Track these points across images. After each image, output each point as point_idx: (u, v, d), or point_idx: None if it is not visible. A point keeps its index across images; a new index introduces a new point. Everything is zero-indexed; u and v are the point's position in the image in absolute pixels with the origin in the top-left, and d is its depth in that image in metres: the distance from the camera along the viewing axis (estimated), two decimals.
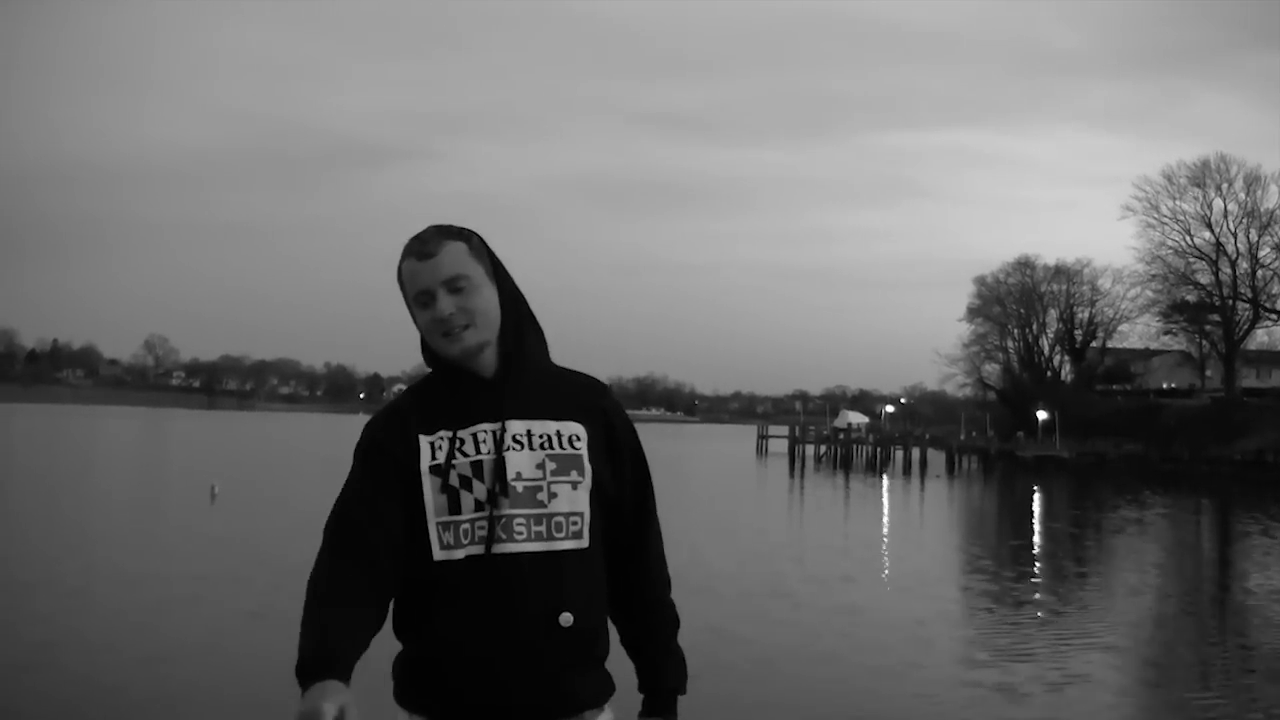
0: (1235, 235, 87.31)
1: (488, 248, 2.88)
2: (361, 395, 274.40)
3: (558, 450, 2.78)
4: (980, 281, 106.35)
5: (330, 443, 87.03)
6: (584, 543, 2.76)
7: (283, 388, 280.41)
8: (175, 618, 15.00)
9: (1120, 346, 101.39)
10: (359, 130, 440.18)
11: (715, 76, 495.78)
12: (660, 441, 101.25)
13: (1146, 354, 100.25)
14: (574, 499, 2.76)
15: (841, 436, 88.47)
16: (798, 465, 75.31)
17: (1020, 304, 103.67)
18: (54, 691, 11.19)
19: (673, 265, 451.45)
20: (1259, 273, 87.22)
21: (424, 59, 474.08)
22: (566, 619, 2.68)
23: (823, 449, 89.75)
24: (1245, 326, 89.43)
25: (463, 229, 2.86)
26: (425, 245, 2.77)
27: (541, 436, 2.78)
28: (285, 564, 17.82)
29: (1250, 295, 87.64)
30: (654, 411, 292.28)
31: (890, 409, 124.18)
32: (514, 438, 2.75)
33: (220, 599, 16.37)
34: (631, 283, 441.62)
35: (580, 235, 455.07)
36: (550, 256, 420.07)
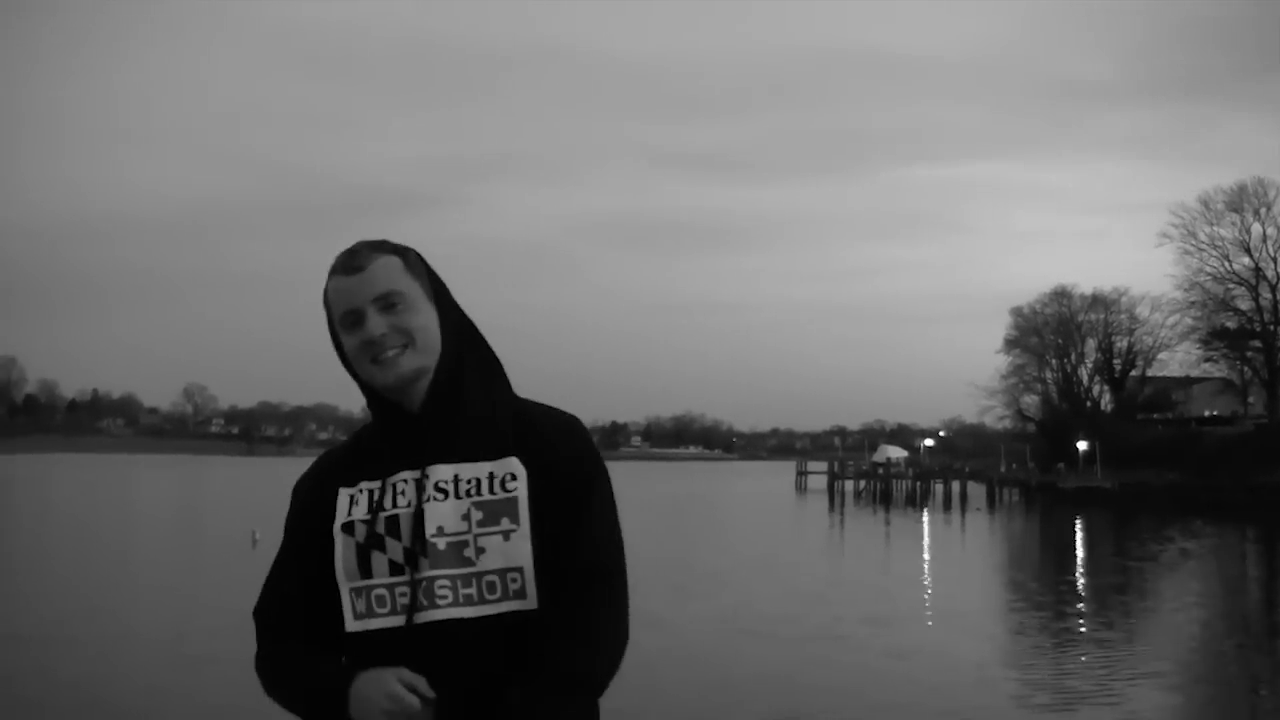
0: (1275, 259, 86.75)
1: (426, 265, 2.53)
2: None
3: (486, 496, 2.36)
4: (1017, 312, 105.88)
5: None
6: (529, 603, 2.32)
7: (320, 433, 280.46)
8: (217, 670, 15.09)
9: (1160, 375, 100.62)
10: (388, 178, 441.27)
11: (742, 115, 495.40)
12: (698, 479, 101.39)
13: (1187, 381, 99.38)
14: (508, 552, 2.32)
15: (881, 471, 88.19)
16: (837, 501, 75.02)
17: (1058, 334, 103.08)
18: None
19: (707, 303, 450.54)
20: None
21: (451, 106, 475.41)
22: (514, 694, 2.24)
23: (862, 484, 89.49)
24: None
25: (397, 244, 2.52)
26: (353, 259, 2.43)
27: (469, 482, 2.38)
28: None
29: None
30: (691, 449, 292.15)
31: (929, 443, 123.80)
32: (437, 485, 2.37)
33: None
34: (666, 322, 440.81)
35: (614, 276, 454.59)
36: (584, 298, 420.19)
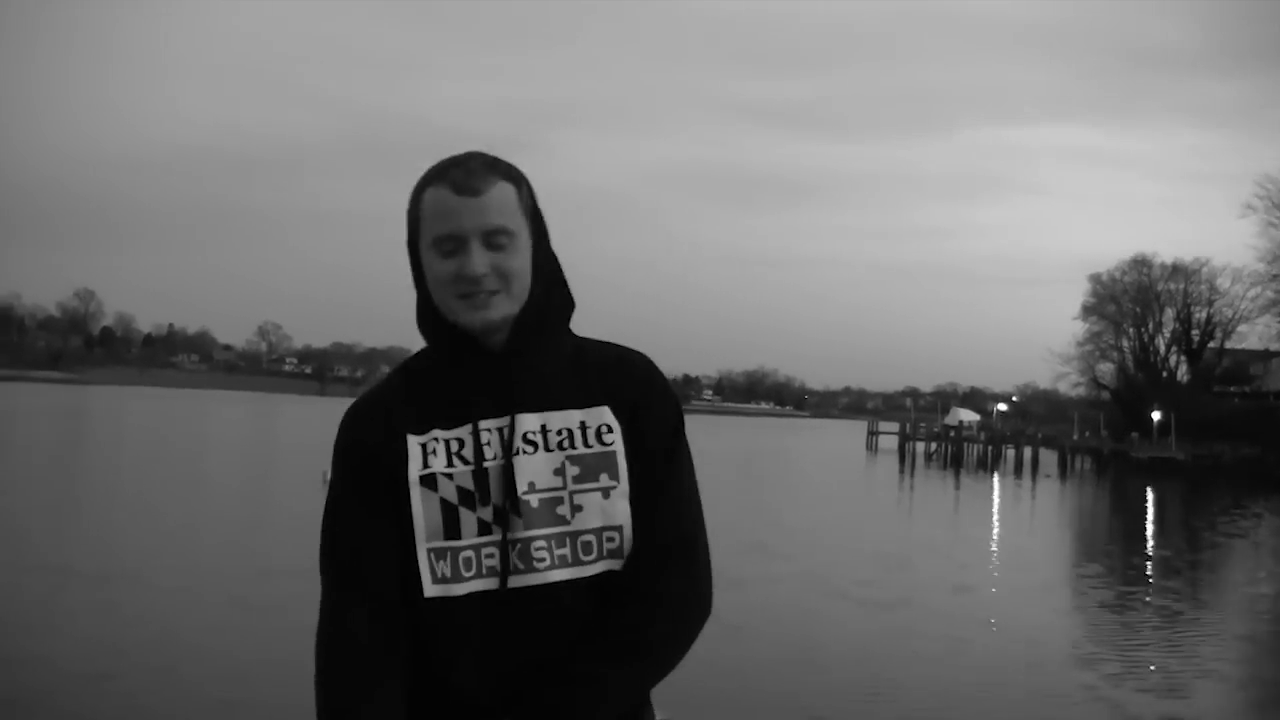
0: None
1: (534, 199, 2.30)
2: None
3: (581, 449, 2.20)
4: (1096, 279, 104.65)
5: None
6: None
7: None
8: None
9: (1238, 347, 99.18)
10: (463, 121, 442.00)
11: (823, 70, 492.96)
12: (769, 436, 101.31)
13: (1266, 355, 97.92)
14: (607, 510, 2.18)
15: (952, 434, 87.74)
16: (908, 462, 74.80)
17: (1136, 302, 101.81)
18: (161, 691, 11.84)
19: (783, 258, 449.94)
20: None
21: (529, 49, 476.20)
22: None
23: (933, 446, 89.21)
24: None
25: (512, 168, 2.27)
26: (470, 179, 2.18)
27: (560, 432, 2.21)
28: None
29: None
30: (763, 405, 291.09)
31: (1002, 407, 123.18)
32: (525, 436, 2.20)
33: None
34: (741, 275, 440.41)
35: (688, 228, 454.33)
36: (660, 247, 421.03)
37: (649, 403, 2.27)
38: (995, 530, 34.33)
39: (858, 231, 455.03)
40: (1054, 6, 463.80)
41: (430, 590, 2.15)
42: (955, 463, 77.95)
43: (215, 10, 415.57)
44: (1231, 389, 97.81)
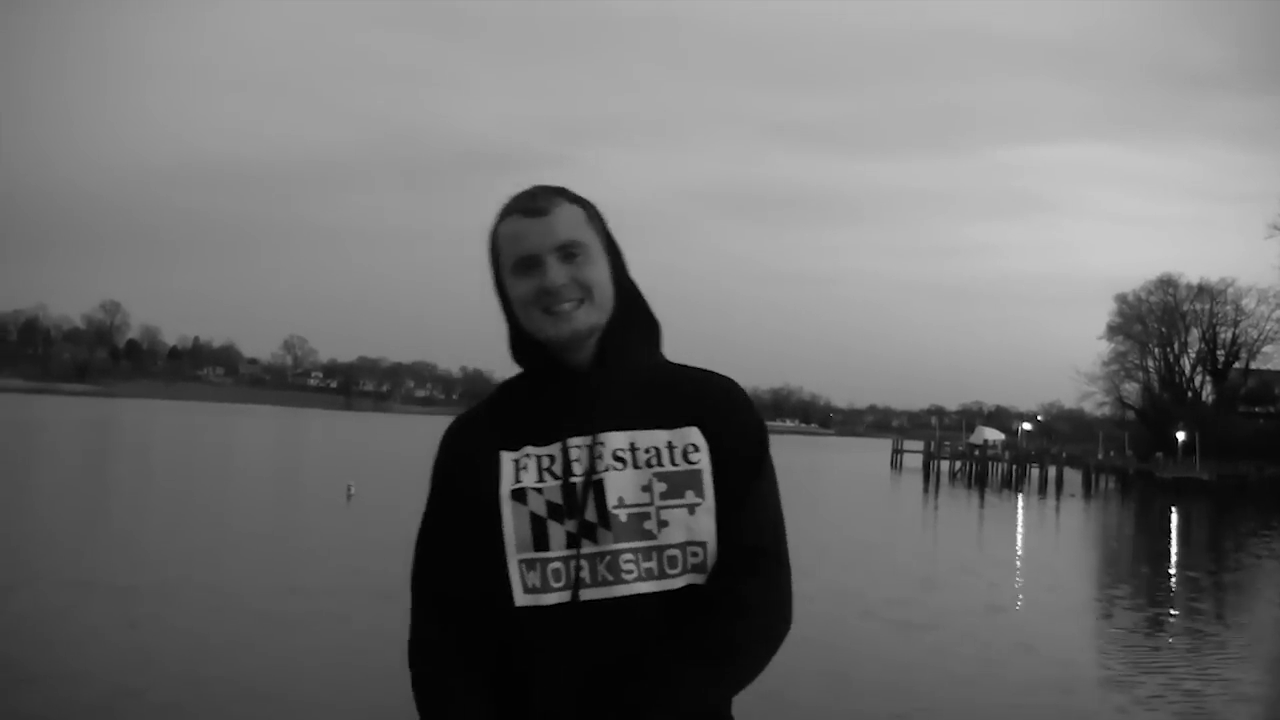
0: None
1: (603, 219, 2.42)
2: None
3: (668, 467, 2.28)
4: (1121, 299, 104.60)
5: None
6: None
7: (419, 390, 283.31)
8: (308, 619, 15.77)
9: (1264, 368, 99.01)
10: (493, 136, 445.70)
11: (853, 88, 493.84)
12: (795, 453, 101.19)
13: None
14: (692, 526, 2.25)
15: (977, 453, 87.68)
16: (932, 480, 74.76)
17: (1162, 322, 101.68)
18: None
19: (808, 276, 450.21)
20: None
21: (557, 66, 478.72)
22: None
23: (958, 465, 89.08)
24: None
25: (577, 194, 2.41)
26: (535, 201, 2.33)
27: (648, 450, 2.29)
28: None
29: None
30: (789, 423, 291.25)
31: (1027, 426, 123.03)
32: (614, 454, 2.28)
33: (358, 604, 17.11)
34: (766, 293, 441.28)
35: (715, 244, 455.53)
36: (685, 266, 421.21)
37: (736, 423, 2.36)
38: (1022, 550, 34.20)
39: (884, 249, 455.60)
40: (1083, 26, 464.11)
41: (521, 600, 2.24)
42: (980, 482, 77.77)
43: (246, 23, 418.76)
44: (1256, 409, 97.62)
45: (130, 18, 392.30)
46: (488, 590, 2.26)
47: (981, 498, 60.91)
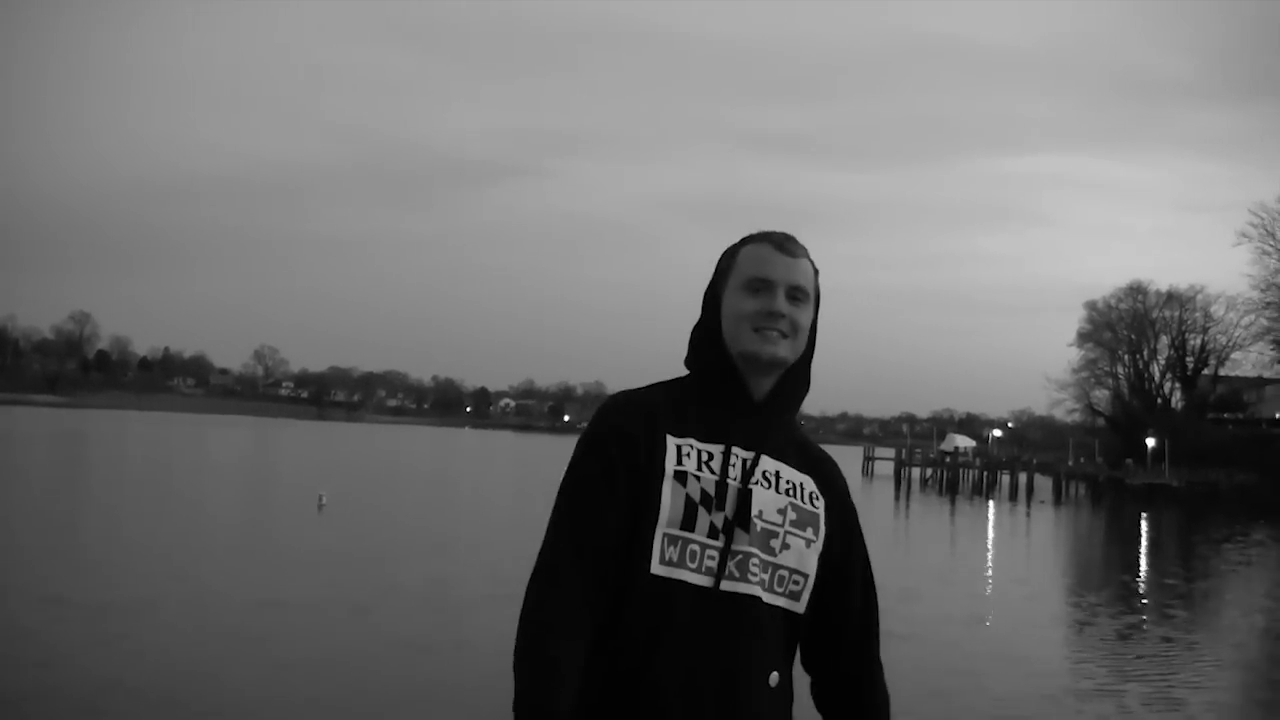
0: None
1: (819, 285, 2.71)
2: (469, 409, 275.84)
3: (800, 502, 2.57)
4: (1091, 306, 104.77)
5: (437, 456, 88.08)
6: (799, 607, 2.55)
7: (390, 400, 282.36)
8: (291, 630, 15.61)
9: (1233, 375, 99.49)
10: (468, 148, 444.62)
11: (824, 98, 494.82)
12: None
13: (1260, 382, 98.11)
14: (804, 557, 2.53)
15: (948, 460, 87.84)
16: (903, 488, 74.89)
17: (1131, 329, 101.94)
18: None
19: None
20: None
21: (532, 78, 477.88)
22: (775, 679, 2.46)
23: (929, 472, 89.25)
24: None
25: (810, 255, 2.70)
26: (789, 243, 2.63)
27: (788, 483, 2.57)
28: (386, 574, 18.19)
29: None
30: None
31: (998, 433, 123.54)
32: (764, 473, 2.53)
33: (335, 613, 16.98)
34: None
35: (687, 255, 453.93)
36: (659, 276, 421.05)
37: (839, 487, 2.72)
38: (997, 558, 34.27)
39: (855, 259, 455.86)
40: (1055, 37, 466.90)
41: (656, 569, 2.41)
42: (951, 489, 77.83)
43: (221, 35, 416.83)
44: (1226, 416, 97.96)
45: (106, 31, 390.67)
46: (625, 554, 2.42)
47: (953, 505, 61.15)
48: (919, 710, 12.97)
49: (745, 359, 2.56)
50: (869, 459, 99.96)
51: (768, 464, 2.55)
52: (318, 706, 11.94)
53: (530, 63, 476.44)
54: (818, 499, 2.61)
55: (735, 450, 2.52)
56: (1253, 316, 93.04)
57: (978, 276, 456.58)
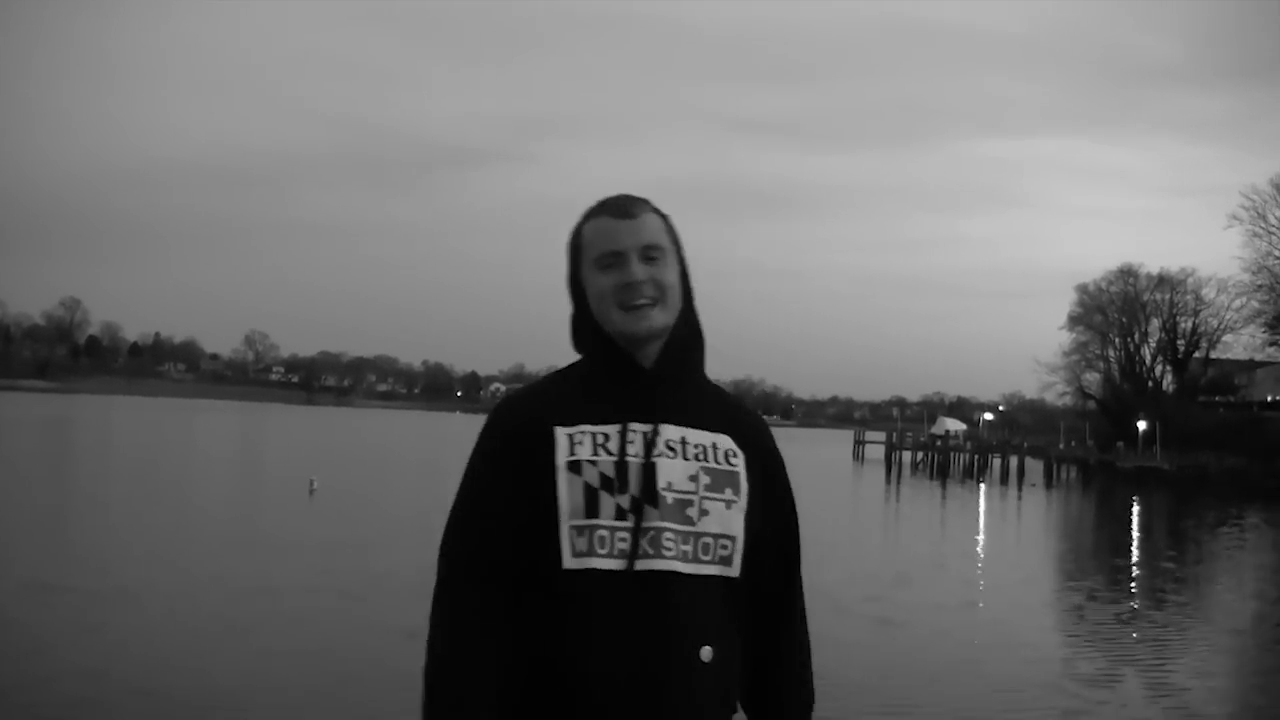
0: None
1: (677, 232, 2.61)
2: (459, 394, 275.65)
3: (713, 464, 2.48)
4: (1082, 290, 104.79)
5: (427, 440, 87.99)
6: (733, 571, 2.46)
7: (380, 385, 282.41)
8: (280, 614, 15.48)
9: (1224, 357, 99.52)
10: (452, 133, 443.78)
11: (810, 82, 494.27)
12: None
13: (1251, 365, 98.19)
14: (726, 520, 2.44)
15: (939, 443, 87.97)
16: (894, 472, 75.12)
17: (1122, 313, 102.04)
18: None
19: (770, 270, 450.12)
20: None
21: (517, 63, 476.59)
22: (707, 653, 2.35)
23: (920, 455, 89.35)
24: None
25: (657, 205, 2.60)
26: (628, 204, 2.53)
27: (697, 446, 2.48)
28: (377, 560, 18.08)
29: None
30: None
31: (989, 417, 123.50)
32: (667, 443, 2.45)
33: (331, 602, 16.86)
34: (728, 287, 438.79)
35: None
36: None
37: (762, 440, 2.63)
38: (990, 542, 34.13)
39: (845, 242, 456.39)
40: (1042, 20, 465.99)
41: (569, 563, 2.35)
42: (942, 472, 78.17)
43: (206, 22, 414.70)
44: (1217, 399, 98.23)
45: (90, 17, 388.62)
46: (533, 556, 2.37)
47: (944, 488, 61.23)
48: (916, 698, 12.91)
49: (623, 338, 2.50)
50: (859, 443, 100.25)
51: (670, 432, 2.48)
52: (309, 694, 11.80)
53: (516, 47, 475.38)
54: (735, 455, 2.53)
55: (633, 426, 2.45)
56: (1244, 299, 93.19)
57: (968, 260, 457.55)
